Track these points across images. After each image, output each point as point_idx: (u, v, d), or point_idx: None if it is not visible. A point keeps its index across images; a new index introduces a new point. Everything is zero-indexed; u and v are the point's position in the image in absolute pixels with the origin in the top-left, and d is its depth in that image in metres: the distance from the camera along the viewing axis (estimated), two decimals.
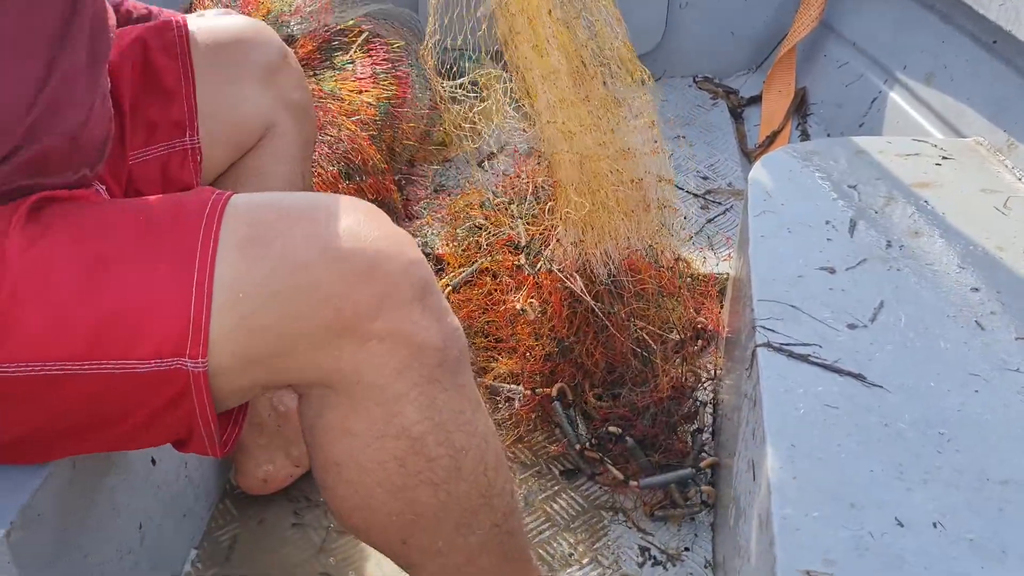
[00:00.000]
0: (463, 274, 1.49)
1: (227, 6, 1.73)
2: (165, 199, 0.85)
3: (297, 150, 1.20)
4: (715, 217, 1.82)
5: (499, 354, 1.39)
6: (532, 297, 1.34)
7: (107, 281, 0.78)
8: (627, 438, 1.29)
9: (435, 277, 0.86)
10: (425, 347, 0.82)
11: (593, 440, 1.31)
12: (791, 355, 0.96)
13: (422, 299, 0.82)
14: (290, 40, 1.76)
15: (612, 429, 1.30)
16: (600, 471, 1.31)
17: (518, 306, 1.34)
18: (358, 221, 0.82)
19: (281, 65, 1.17)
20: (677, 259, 1.37)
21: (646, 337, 1.28)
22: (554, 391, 1.34)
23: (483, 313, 1.41)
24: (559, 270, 1.29)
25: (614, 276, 1.26)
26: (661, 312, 1.30)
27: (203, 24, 1.13)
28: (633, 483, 1.28)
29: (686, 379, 1.31)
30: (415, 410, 0.83)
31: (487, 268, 1.46)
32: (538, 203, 1.46)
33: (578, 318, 1.29)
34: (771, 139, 2.07)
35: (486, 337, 1.43)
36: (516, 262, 1.40)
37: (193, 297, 0.77)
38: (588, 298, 1.26)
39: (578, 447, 1.32)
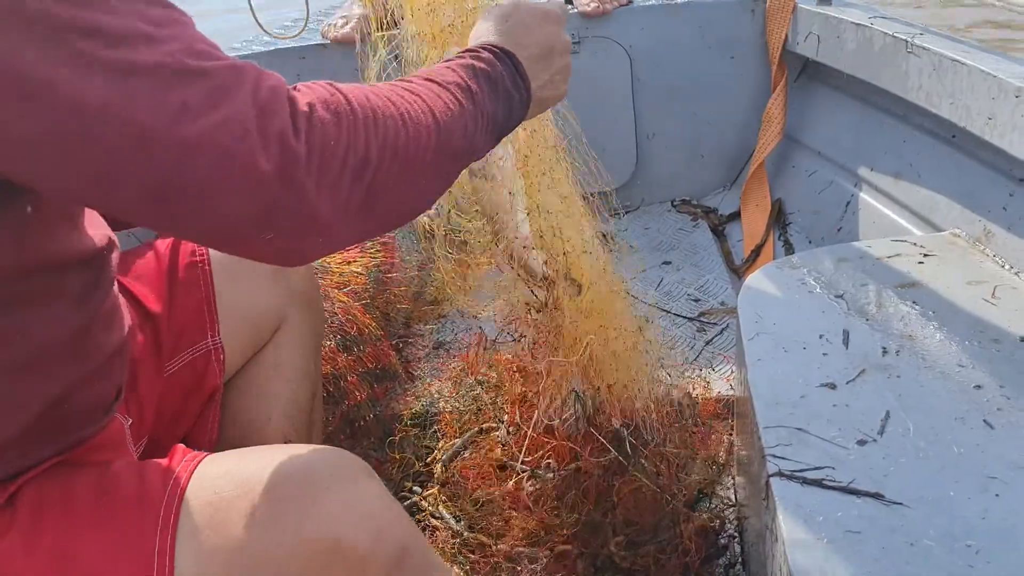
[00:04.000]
0: (455, 445, 1.48)
1: None
2: (129, 474, 0.84)
3: (309, 339, 1.23)
4: (713, 338, 1.82)
5: (515, 513, 1.36)
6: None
7: None
8: None
9: (416, 531, 0.86)
10: None
11: None
12: (805, 481, 0.95)
13: (396, 570, 0.81)
14: None
15: None
16: None
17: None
18: (325, 490, 0.80)
19: None
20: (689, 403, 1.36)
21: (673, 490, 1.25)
22: None
23: (488, 481, 1.38)
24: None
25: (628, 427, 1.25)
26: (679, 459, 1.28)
27: None
28: None
29: (711, 524, 1.28)
30: None
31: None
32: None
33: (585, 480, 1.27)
34: (756, 253, 2.09)
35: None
36: (500, 462, 1.38)
37: None
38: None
39: None
